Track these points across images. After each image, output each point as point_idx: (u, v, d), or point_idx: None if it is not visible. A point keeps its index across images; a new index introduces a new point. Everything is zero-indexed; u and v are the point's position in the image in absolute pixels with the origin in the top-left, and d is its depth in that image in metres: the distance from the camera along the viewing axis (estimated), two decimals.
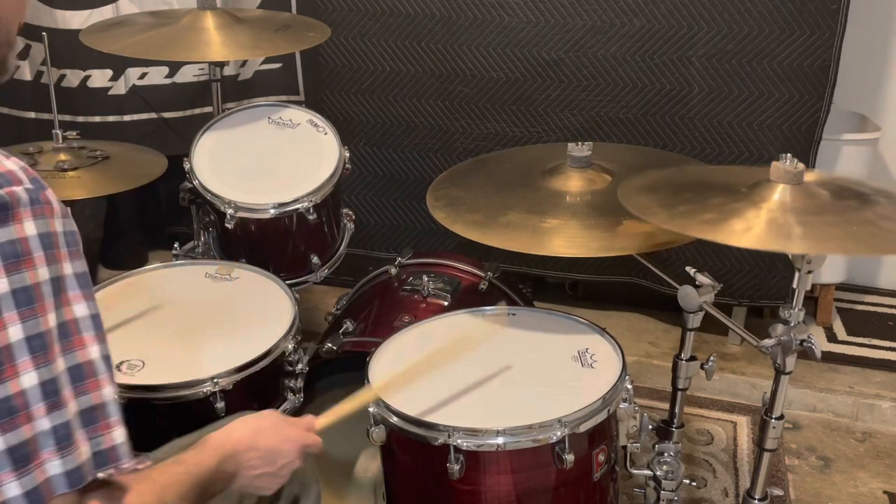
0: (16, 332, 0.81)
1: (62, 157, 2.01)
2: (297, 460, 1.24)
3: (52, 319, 0.84)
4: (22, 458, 0.82)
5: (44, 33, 2.05)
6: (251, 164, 2.10)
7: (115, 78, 2.82)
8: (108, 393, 0.89)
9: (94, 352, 0.89)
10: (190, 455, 1.09)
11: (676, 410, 1.80)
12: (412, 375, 1.50)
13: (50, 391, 0.83)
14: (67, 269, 0.87)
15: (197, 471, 1.06)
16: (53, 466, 0.83)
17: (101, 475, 0.88)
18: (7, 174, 0.84)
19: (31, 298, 0.82)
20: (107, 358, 0.90)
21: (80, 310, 0.88)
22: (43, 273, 0.84)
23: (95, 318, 0.89)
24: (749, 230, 1.34)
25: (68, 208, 0.91)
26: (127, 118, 2.87)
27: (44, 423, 0.83)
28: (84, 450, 0.86)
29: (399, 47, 2.69)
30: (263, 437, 1.19)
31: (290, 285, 1.87)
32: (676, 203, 1.45)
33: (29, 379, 0.82)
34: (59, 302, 0.86)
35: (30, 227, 0.83)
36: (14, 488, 0.81)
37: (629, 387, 1.53)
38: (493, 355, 1.61)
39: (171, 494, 1.00)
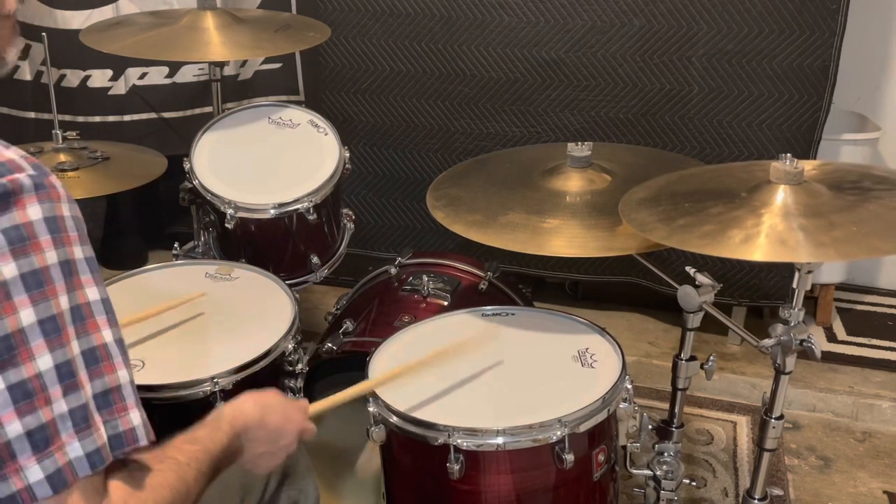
0: (28, 316, 0.81)
1: (62, 157, 2.01)
2: (295, 443, 1.24)
3: (63, 302, 0.84)
4: (41, 441, 0.82)
5: (44, 33, 2.06)
6: (251, 164, 2.10)
7: (115, 78, 2.82)
8: (124, 376, 0.89)
9: (108, 335, 0.89)
10: (205, 432, 1.08)
11: (676, 410, 1.80)
12: (410, 371, 1.50)
13: (66, 373, 0.83)
14: (78, 252, 0.87)
15: (213, 447, 1.06)
16: (73, 449, 0.83)
17: (120, 456, 0.88)
18: (8, 163, 0.84)
19: (40, 282, 0.82)
20: (120, 342, 0.90)
21: (92, 293, 0.88)
22: (51, 256, 0.83)
23: (106, 302, 0.90)
24: (749, 241, 1.34)
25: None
26: (127, 118, 2.87)
27: (61, 406, 0.83)
28: (102, 432, 0.86)
29: (399, 47, 2.69)
30: (271, 415, 1.19)
31: (290, 285, 1.87)
32: (676, 217, 1.45)
33: (44, 362, 0.82)
34: (70, 285, 0.85)
35: (34, 212, 0.83)
36: (36, 472, 0.81)
37: (629, 387, 1.53)
38: (492, 355, 1.61)
39: (192, 472, 0.99)
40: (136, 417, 0.90)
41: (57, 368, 0.83)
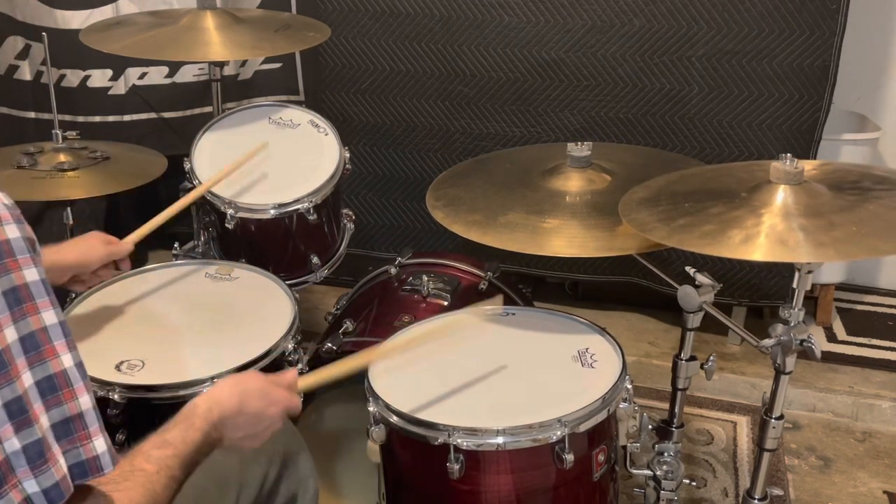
0: None
1: (62, 157, 2.01)
2: (279, 421, 1.23)
3: (10, 334, 0.80)
4: None
5: (44, 33, 2.06)
6: (251, 164, 2.10)
7: (115, 78, 2.82)
8: (86, 402, 0.86)
9: (66, 360, 0.85)
10: (176, 432, 1.07)
11: (676, 410, 1.80)
12: (405, 349, 1.48)
13: (16, 410, 0.80)
14: (30, 276, 0.82)
15: (185, 449, 1.05)
16: (30, 485, 0.81)
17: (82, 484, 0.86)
18: None
19: None
20: (80, 365, 0.86)
21: (48, 317, 0.84)
22: None
23: (63, 325, 0.85)
24: (749, 241, 1.34)
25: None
26: (127, 118, 2.87)
27: (13, 444, 0.80)
28: (61, 464, 0.83)
29: (399, 47, 2.69)
30: (250, 400, 1.17)
31: (290, 285, 1.87)
32: (676, 217, 1.45)
33: None
34: (19, 313, 0.81)
35: None
36: None
37: (629, 386, 1.53)
38: (493, 355, 1.61)
39: (161, 480, 0.98)
40: (99, 445, 0.87)
41: (5, 407, 0.79)
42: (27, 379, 0.81)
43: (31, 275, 0.83)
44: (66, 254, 1.60)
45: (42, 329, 0.83)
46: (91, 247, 1.65)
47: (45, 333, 0.83)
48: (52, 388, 0.83)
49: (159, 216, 1.86)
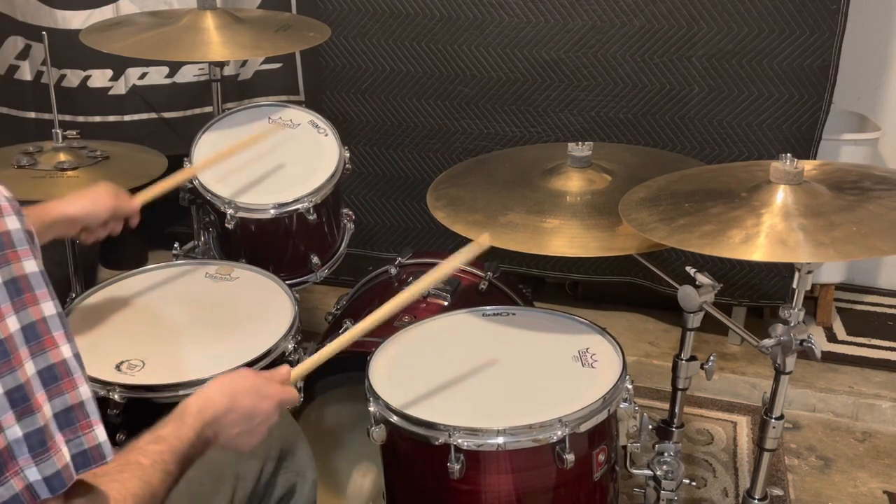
0: None
1: (62, 156, 2.01)
2: (274, 415, 1.23)
3: (12, 324, 0.81)
4: None
5: (44, 33, 2.05)
6: (251, 164, 2.10)
7: (115, 78, 2.82)
8: (85, 392, 0.87)
9: (66, 351, 0.86)
10: (169, 429, 1.07)
11: (676, 410, 1.80)
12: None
13: (18, 398, 0.81)
14: (28, 267, 0.84)
15: (178, 445, 1.05)
16: (32, 473, 0.82)
17: (86, 475, 0.87)
18: None
19: None
20: (77, 356, 0.88)
21: (47, 308, 0.85)
22: None
23: (61, 316, 0.87)
24: (749, 241, 1.34)
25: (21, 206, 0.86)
26: (127, 118, 2.87)
27: (15, 432, 0.81)
28: (64, 453, 0.84)
29: (399, 47, 2.69)
30: (241, 398, 1.18)
31: (290, 285, 1.87)
32: (676, 217, 1.45)
33: None
34: (20, 304, 0.82)
35: None
36: None
37: (629, 387, 1.53)
38: (493, 355, 1.61)
39: (157, 474, 0.99)
40: (100, 433, 0.88)
41: (7, 395, 0.80)
42: (29, 368, 0.82)
43: (30, 266, 0.84)
44: (74, 205, 1.59)
45: (42, 319, 0.84)
46: (98, 197, 1.63)
47: (44, 324, 0.84)
48: (54, 377, 0.84)
49: (165, 182, 1.87)
